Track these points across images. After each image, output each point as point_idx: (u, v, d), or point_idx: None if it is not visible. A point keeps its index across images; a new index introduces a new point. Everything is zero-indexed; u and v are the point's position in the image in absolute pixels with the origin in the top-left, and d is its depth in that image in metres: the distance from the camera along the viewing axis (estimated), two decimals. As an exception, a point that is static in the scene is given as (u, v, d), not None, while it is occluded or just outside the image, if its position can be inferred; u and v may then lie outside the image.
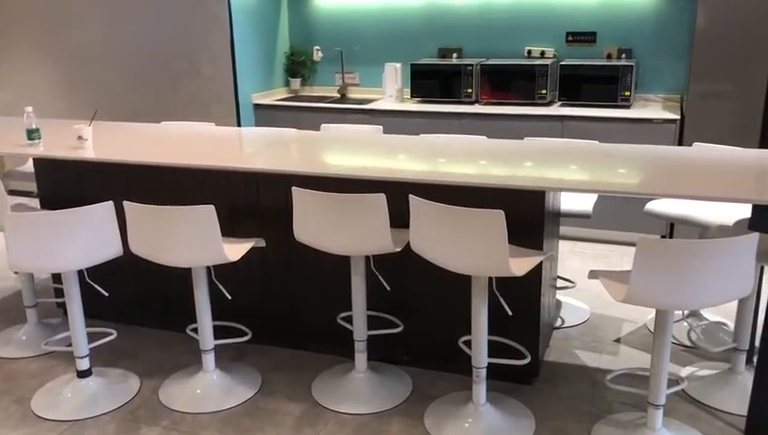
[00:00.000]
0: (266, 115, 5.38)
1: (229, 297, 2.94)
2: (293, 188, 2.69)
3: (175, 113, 5.21)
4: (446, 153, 3.13)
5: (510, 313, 2.64)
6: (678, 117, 4.36)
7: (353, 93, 5.69)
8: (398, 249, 2.68)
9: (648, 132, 4.41)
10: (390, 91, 5.28)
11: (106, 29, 5.47)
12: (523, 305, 2.89)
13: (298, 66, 5.76)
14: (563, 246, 4.72)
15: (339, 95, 5.62)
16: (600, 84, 4.64)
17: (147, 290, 3.55)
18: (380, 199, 2.57)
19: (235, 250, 2.83)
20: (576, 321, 3.62)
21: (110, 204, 2.73)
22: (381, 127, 3.95)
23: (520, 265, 2.49)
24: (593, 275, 2.57)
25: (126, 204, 2.69)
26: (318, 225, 2.69)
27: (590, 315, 3.69)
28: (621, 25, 4.90)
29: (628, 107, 4.64)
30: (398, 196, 2.68)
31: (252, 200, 3.19)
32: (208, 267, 2.96)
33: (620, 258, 4.43)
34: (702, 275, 2.17)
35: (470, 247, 2.39)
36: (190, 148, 3.36)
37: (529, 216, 2.78)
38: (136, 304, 3.60)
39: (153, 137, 3.66)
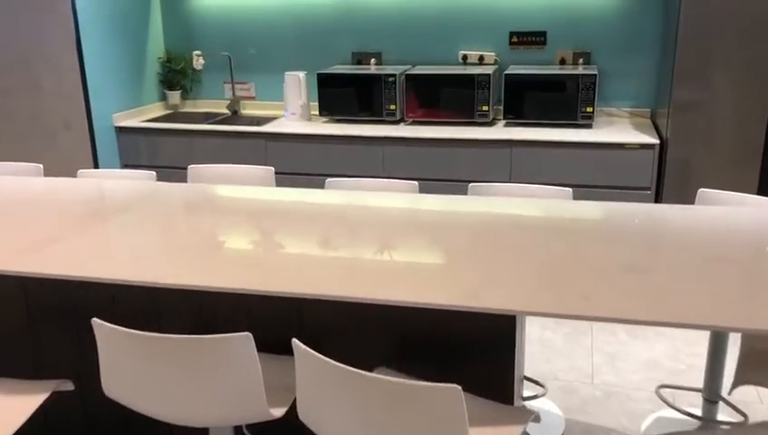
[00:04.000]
0: (134, 142, 4.17)
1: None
2: (94, 321, 1.57)
3: (8, 146, 3.94)
4: (357, 235, 2.07)
5: None
6: (657, 141, 3.43)
7: (248, 109, 4.54)
8: (280, 414, 1.61)
9: (620, 161, 3.46)
10: (293, 108, 4.16)
11: None
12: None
13: (176, 75, 4.55)
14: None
15: (229, 112, 4.47)
16: (554, 97, 3.67)
17: None
18: (245, 343, 1.49)
19: (17, 410, 1.69)
20: (548, 437, 2.64)
21: None
22: (273, 169, 2.85)
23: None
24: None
25: None
26: (140, 380, 1.58)
27: (565, 425, 2.71)
28: (576, 23, 3.93)
29: (590, 126, 3.69)
30: (284, 306, 1.61)
31: (64, 317, 2.04)
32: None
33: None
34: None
35: (399, 440, 1.34)
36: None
37: (490, 349, 1.75)
38: None
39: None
